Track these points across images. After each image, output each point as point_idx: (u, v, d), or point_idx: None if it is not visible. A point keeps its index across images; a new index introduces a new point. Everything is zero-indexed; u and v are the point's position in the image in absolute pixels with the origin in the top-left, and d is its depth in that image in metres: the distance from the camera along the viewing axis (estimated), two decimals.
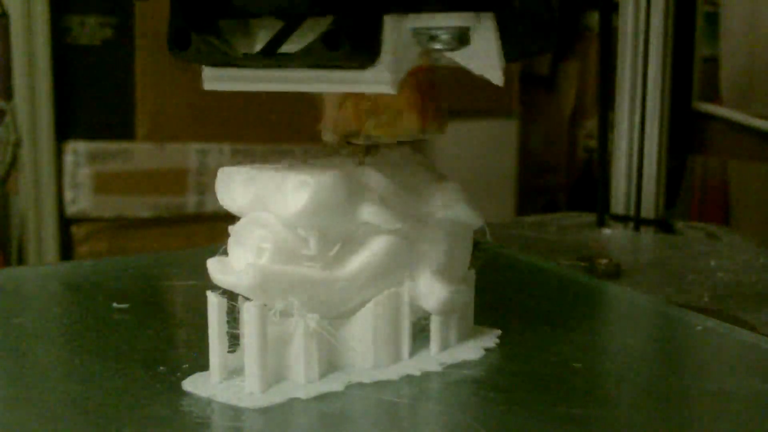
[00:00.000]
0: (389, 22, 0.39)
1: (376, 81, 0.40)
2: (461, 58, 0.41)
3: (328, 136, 0.47)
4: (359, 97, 0.45)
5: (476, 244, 0.50)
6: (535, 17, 0.44)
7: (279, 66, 0.41)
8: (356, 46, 0.38)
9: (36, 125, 1.24)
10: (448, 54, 0.41)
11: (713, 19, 1.41)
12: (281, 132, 1.32)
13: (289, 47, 0.40)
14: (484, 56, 0.40)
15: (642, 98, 0.85)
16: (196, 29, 0.41)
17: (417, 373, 0.46)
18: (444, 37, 0.40)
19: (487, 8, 0.40)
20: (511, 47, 0.41)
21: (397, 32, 0.39)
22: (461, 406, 0.43)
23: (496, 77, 0.41)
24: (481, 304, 0.51)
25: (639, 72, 0.85)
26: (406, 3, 0.39)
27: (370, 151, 0.47)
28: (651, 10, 0.83)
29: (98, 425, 0.40)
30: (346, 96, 0.45)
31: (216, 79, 0.43)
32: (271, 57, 0.40)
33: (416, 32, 0.40)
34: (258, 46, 0.41)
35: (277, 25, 0.40)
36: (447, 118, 0.48)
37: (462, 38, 0.40)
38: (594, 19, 1.66)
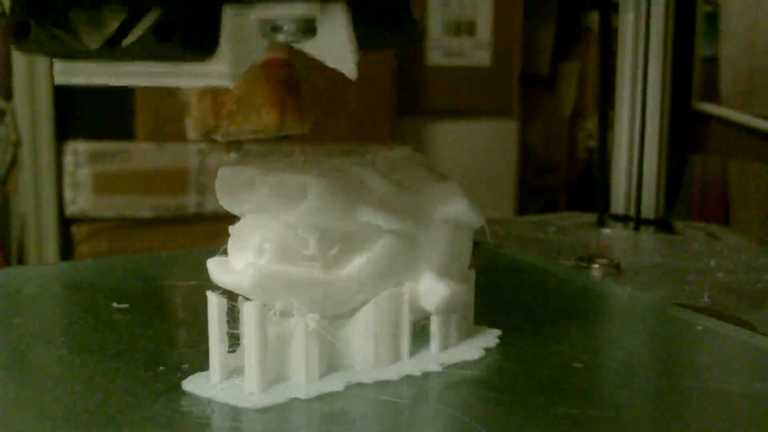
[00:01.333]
0: (228, 12, 0.38)
1: (215, 74, 0.38)
2: (311, 49, 0.39)
3: (190, 132, 0.46)
4: (217, 92, 0.44)
5: (476, 244, 0.50)
6: (390, 7, 0.43)
7: (120, 59, 0.39)
8: (189, 38, 0.37)
9: (36, 125, 1.24)
10: (297, 46, 0.39)
11: (713, 19, 1.41)
12: None
13: (127, 40, 0.38)
14: (335, 47, 0.39)
15: (642, 98, 0.85)
16: (37, 19, 0.39)
17: (417, 373, 0.46)
18: (288, 28, 0.38)
19: None
20: (366, 38, 0.40)
21: (238, 23, 0.38)
22: (461, 406, 0.43)
23: (350, 69, 0.39)
24: (481, 304, 0.51)
25: (639, 72, 0.85)
26: None
27: (231, 147, 0.46)
28: (651, 10, 0.83)
29: (98, 425, 0.40)
30: (205, 91, 0.44)
31: (65, 73, 0.41)
32: (111, 50, 0.38)
33: (260, 23, 0.38)
34: (103, 39, 0.39)
35: (123, 16, 0.38)
36: (311, 115, 0.47)
37: (308, 29, 0.38)
38: (594, 19, 1.66)
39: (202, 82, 0.39)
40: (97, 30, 0.39)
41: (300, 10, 0.38)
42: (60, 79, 0.42)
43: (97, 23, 0.39)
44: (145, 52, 0.38)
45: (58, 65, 0.41)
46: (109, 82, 0.40)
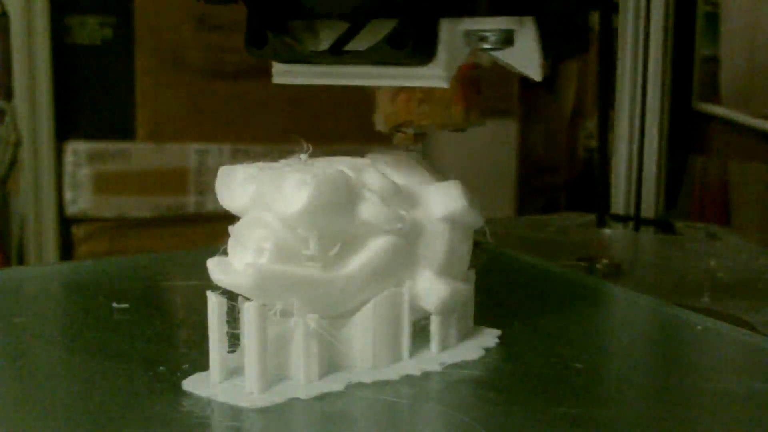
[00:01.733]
0: (445, 24, 0.44)
1: (432, 76, 0.44)
2: (505, 57, 0.45)
3: (380, 126, 0.52)
4: (411, 90, 0.51)
5: (476, 244, 0.50)
6: (570, 21, 0.49)
7: (344, 62, 0.45)
8: (418, 45, 0.43)
9: (36, 125, 1.24)
10: (494, 53, 0.45)
11: (713, 19, 1.41)
12: (281, 132, 1.32)
13: (357, 45, 0.44)
14: (525, 55, 0.45)
15: (642, 98, 0.85)
16: (271, 29, 0.45)
17: (417, 373, 0.46)
18: (492, 38, 0.44)
19: (529, 13, 0.45)
20: (548, 47, 0.46)
21: (451, 34, 0.44)
22: (461, 406, 0.43)
23: (536, 74, 0.46)
24: (481, 304, 0.51)
25: (639, 72, 0.85)
26: (460, 8, 0.44)
27: (418, 139, 0.52)
28: (651, 10, 0.83)
29: (98, 425, 0.40)
30: (399, 90, 0.51)
31: (285, 74, 0.47)
32: (339, 54, 0.44)
33: (467, 34, 0.44)
34: (324, 45, 0.45)
35: (342, 25, 0.44)
36: (487, 111, 0.53)
37: (507, 40, 0.44)
38: (594, 19, 1.65)
39: (419, 83, 0.45)
40: (323, 37, 0.45)
41: (502, 24, 0.44)
42: (278, 79, 0.48)
43: (322, 31, 0.46)
44: (376, 57, 0.44)
45: (277, 66, 0.47)
46: (327, 83, 0.47)
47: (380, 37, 0.43)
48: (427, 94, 0.51)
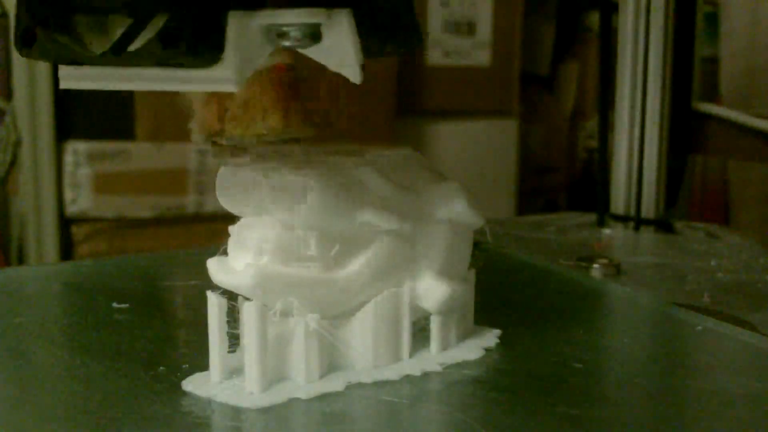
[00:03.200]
0: (234, 19, 0.38)
1: (221, 80, 0.38)
2: (316, 54, 0.39)
3: (195, 136, 0.46)
4: (222, 96, 0.44)
5: (476, 244, 0.50)
6: (393, 12, 0.44)
7: (128, 64, 0.40)
8: (195, 44, 0.37)
9: (36, 125, 1.24)
10: (301, 51, 0.39)
11: (713, 19, 1.41)
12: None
13: (133, 45, 0.39)
14: (338, 53, 0.39)
15: (642, 98, 0.85)
16: (43, 26, 0.40)
17: (417, 373, 0.46)
18: (293, 34, 0.38)
19: (339, 4, 0.39)
20: (370, 43, 0.40)
21: (243, 29, 0.38)
22: (461, 406, 0.43)
23: (354, 74, 0.39)
24: (481, 304, 0.51)
25: (639, 72, 0.85)
26: None
27: (235, 151, 0.46)
28: (651, 10, 0.83)
29: (98, 425, 0.40)
30: (210, 96, 0.45)
31: (71, 78, 0.42)
32: (117, 55, 0.39)
33: (265, 30, 0.39)
34: (109, 45, 0.39)
35: (128, 22, 0.39)
36: (315, 118, 0.47)
37: (313, 35, 0.38)
38: (594, 19, 1.66)
39: (207, 88, 0.39)
40: (101, 36, 0.40)
41: (305, 17, 0.38)
42: (65, 84, 0.42)
43: (102, 29, 0.40)
44: (150, 57, 0.38)
45: (63, 69, 0.42)
46: (114, 87, 0.41)
47: (153, 35, 0.38)
48: (239, 100, 0.44)
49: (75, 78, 0.42)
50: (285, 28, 0.38)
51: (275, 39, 0.38)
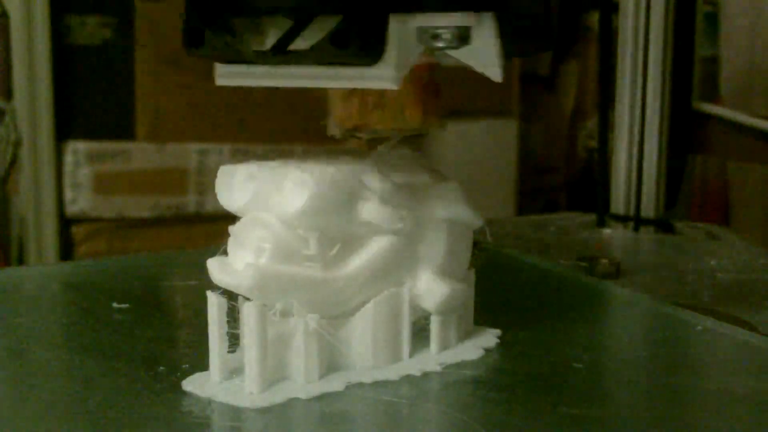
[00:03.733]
0: (394, 21, 0.41)
1: (381, 77, 0.41)
2: (462, 56, 0.42)
3: (333, 131, 0.48)
4: (364, 92, 0.47)
5: (476, 244, 0.50)
6: (533, 16, 0.46)
7: (289, 63, 0.42)
8: (363, 44, 0.40)
9: (36, 125, 1.24)
10: (450, 52, 0.42)
11: (713, 19, 1.41)
12: (281, 132, 1.32)
13: (299, 45, 0.41)
14: (484, 54, 0.42)
15: (642, 98, 0.85)
16: (209, 27, 0.42)
17: (417, 373, 0.46)
18: (446, 36, 0.41)
19: (486, 8, 0.41)
20: (510, 45, 0.43)
21: (402, 31, 0.41)
22: (461, 406, 0.43)
23: (496, 74, 0.42)
24: (481, 304, 0.51)
25: (639, 72, 0.85)
26: (411, 3, 0.41)
27: (373, 144, 0.48)
28: (651, 10, 0.83)
29: (98, 425, 0.40)
30: (352, 92, 0.47)
31: (228, 76, 0.45)
32: (281, 54, 0.42)
33: (419, 31, 0.41)
34: (269, 44, 0.42)
35: (287, 23, 0.41)
36: (447, 115, 0.50)
37: (463, 37, 0.41)
38: (594, 19, 1.66)
39: (367, 84, 0.42)
40: (261, 36, 0.42)
41: (457, 20, 0.41)
42: (221, 81, 0.45)
43: (260, 30, 0.43)
44: (320, 56, 0.41)
45: (219, 67, 0.44)
46: (271, 84, 0.44)
47: (324, 36, 0.40)
48: (381, 96, 0.47)
49: (231, 76, 0.45)
50: (439, 30, 0.41)
51: (429, 40, 0.42)
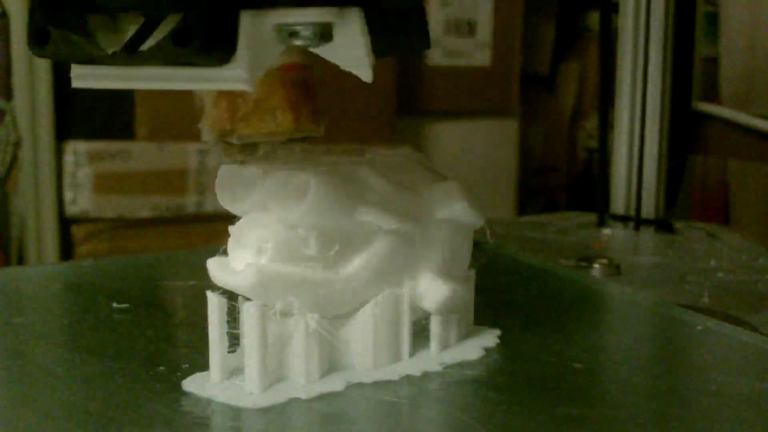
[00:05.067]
0: (246, 17, 0.38)
1: (232, 78, 0.39)
2: (326, 53, 0.39)
3: (206, 136, 0.46)
4: (233, 96, 0.44)
5: (476, 244, 0.50)
6: (403, 11, 0.44)
7: (138, 64, 0.40)
8: (208, 43, 0.37)
9: (36, 125, 1.24)
10: (312, 50, 0.39)
11: (713, 19, 1.41)
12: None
13: (145, 45, 0.39)
14: (350, 52, 0.39)
15: (642, 98, 0.85)
16: (55, 25, 0.40)
17: (417, 373, 0.46)
18: (305, 33, 0.38)
19: (350, 3, 0.39)
20: (380, 43, 0.40)
21: (255, 28, 0.38)
22: (461, 406, 0.43)
23: (365, 74, 0.39)
24: (481, 304, 0.51)
25: (639, 72, 0.85)
26: None
27: (247, 150, 0.46)
28: (651, 10, 0.83)
29: (98, 425, 0.40)
30: (221, 95, 0.45)
31: (83, 77, 0.42)
32: (131, 55, 0.39)
33: (276, 29, 0.39)
34: (120, 44, 0.39)
35: (139, 22, 0.39)
36: (324, 118, 0.47)
37: (324, 34, 0.39)
38: (594, 19, 1.66)
39: (219, 86, 0.40)
40: (114, 35, 0.40)
41: (317, 16, 0.38)
42: (77, 83, 0.42)
43: (114, 29, 0.40)
44: (163, 56, 0.38)
45: (76, 69, 0.42)
46: (126, 86, 0.41)
47: (166, 34, 0.38)
48: (250, 99, 0.44)
49: (87, 77, 0.42)
50: (296, 27, 0.38)
51: (287, 38, 0.39)
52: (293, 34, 0.38)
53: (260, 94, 0.44)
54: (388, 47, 0.42)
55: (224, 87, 0.40)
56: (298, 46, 0.39)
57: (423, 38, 0.46)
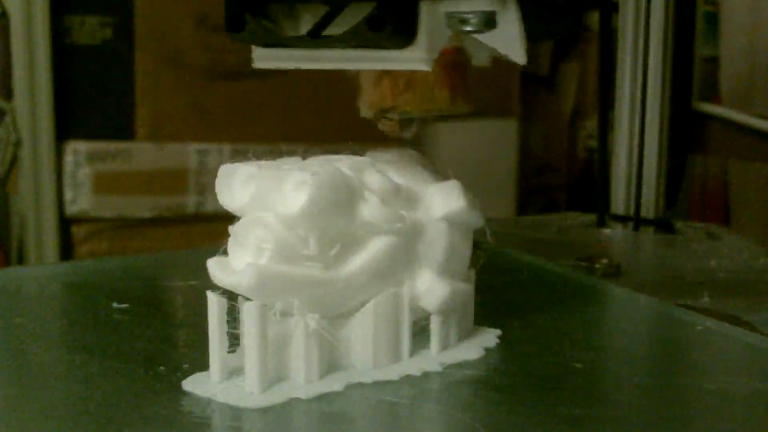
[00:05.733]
0: (425, 6, 0.44)
1: (413, 59, 0.44)
2: (488, 39, 0.45)
3: (365, 112, 0.51)
4: (395, 75, 0.49)
5: (476, 244, 0.50)
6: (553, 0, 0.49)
7: (324, 46, 0.45)
8: (397, 28, 0.43)
9: (36, 125, 1.24)
10: (476, 36, 0.45)
11: (713, 19, 1.41)
12: (281, 132, 1.32)
13: (335, 29, 0.44)
14: (508, 38, 0.45)
15: (642, 98, 0.85)
16: (250, 12, 0.45)
17: (417, 373, 0.46)
18: (473, 20, 0.44)
19: None
20: (533, 28, 0.46)
21: (432, 16, 0.44)
22: (461, 406, 0.43)
23: (520, 57, 0.46)
24: (481, 304, 0.51)
25: (639, 72, 0.85)
26: None
27: (403, 125, 0.51)
28: (651, 10, 0.83)
29: (98, 425, 0.40)
30: (383, 74, 0.50)
31: (265, 58, 0.47)
32: (318, 38, 0.44)
33: (448, 16, 0.44)
34: (305, 29, 0.45)
35: (322, 9, 0.44)
36: (473, 96, 0.53)
37: (489, 22, 0.44)
38: (594, 19, 1.65)
39: (400, 66, 0.45)
40: (296, 21, 0.46)
41: (484, 5, 0.44)
42: (259, 63, 0.48)
43: (295, 15, 0.46)
44: (356, 40, 0.44)
45: (257, 50, 0.47)
46: (307, 66, 0.46)
47: (359, 20, 0.43)
48: (411, 78, 0.50)
49: (269, 59, 0.47)
50: (466, 15, 0.44)
51: (457, 24, 0.44)
52: (463, 21, 0.44)
53: (420, 74, 0.48)
54: (541, 32, 0.48)
55: (405, 67, 0.45)
56: (466, 32, 0.45)
57: (570, 21, 0.51)
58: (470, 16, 0.44)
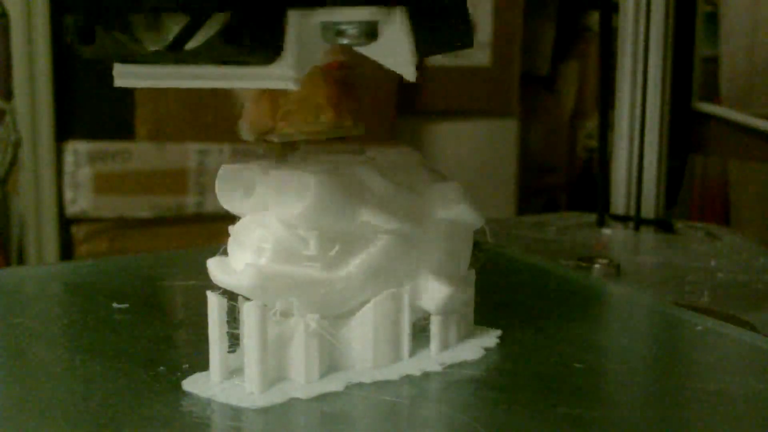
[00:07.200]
0: (293, 16, 0.38)
1: (280, 77, 0.39)
2: (371, 52, 0.40)
3: (246, 134, 0.46)
4: (275, 94, 0.45)
5: (476, 244, 0.50)
6: (447, 10, 0.44)
7: (185, 62, 0.40)
8: (256, 41, 0.38)
9: (36, 125, 1.24)
10: (358, 49, 0.40)
11: (713, 19, 1.41)
12: None
13: (192, 43, 0.39)
14: (395, 51, 0.40)
15: (642, 98, 0.85)
16: (101, 24, 0.40)
17: (417, 373, 0.46)
18: (351, 31, 0.38)
19: (396, 2, 0.39)
20: (424, 42, 0.40)
21: (302, 27, 0.39)
22: (461, 406, 0.43)
23: (409, 72, 0.40)
24: (481, 304, 0.51)
25: (639, 72, 0.85)
26: None
27: (287, 149, 0.46)
28: (651, 10, 0.83)
29: (98, 425, 0.40)
30: (263, 93, 0.45)
31: (125, 76, 0.42)
32: (176, 53, 0.39)
33: (323, 27, 0.39)
34: (165, 43, 0.39)
35: (185, 20, 0.39)
36: (363, 117, 0.47)
37: (370, 33, 0.39)
38: (594, 19, 1.66)
39: (264, 85, 0.40)
40: (158, 34, 0.40)
41: (363, 15, 0.38)
42: (119, 82, 0.42)
43: (160, 27, 0.40)
44: (211, 55, 0.38)
45: (118, 67, 0.42)
46: (169, 85, 0.41)
47: (215, 32, 0.38)
48: (293, 98, 0.45)
49: (129, 76, 0.42)
50: (343, 26, 0.38)
51: (333, 36, 0.39)
52: (340, 33, 0.38)
53: (302, 93, 0.44)
54: (432, 46, 0.43)
55: (270, 85, 0.40)
56: (344, 45, 0.39)
57: (466, 37, 0.45)
58: (348, 27, 0.38)
